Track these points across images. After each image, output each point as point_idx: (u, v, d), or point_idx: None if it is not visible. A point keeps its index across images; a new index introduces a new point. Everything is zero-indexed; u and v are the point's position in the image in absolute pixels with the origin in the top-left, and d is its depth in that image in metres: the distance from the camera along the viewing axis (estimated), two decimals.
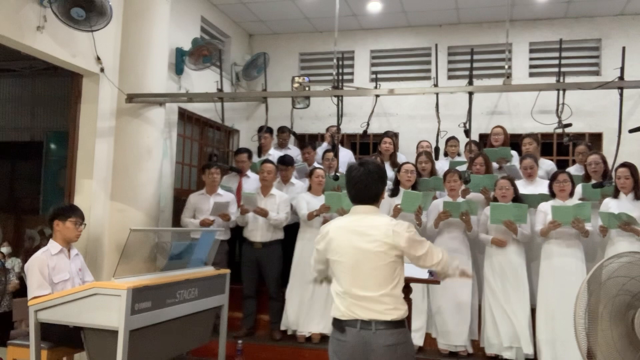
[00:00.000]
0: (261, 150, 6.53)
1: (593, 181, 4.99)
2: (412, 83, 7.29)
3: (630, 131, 4.74)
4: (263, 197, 5.39)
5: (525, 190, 5.15)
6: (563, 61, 5.14)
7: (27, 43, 4.40)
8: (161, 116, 5.63)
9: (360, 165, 2.70)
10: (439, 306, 4.93)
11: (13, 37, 4.28)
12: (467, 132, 4.93)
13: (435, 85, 5.21)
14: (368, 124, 5.41)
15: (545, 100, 5.23)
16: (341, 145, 6.37)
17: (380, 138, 6.26)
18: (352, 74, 7.80)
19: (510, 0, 6.40)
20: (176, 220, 5.86)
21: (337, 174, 5.41)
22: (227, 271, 4.41)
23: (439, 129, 5.23)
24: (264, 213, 5.23)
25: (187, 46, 6.31)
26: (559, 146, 6.82)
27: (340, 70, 5.32)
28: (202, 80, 6.58)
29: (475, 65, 5.42)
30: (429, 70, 7.31)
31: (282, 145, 6.88)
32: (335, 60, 5.29)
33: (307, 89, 6.40)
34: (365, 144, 7.50)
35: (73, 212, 3.84)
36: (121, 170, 5.30)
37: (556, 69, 5.15)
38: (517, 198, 4.89)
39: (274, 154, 6.38)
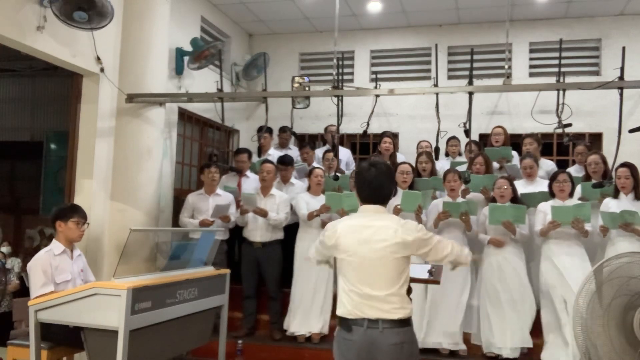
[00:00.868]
0: (261, 150, 6.53)
1: (593, 181, 4.99)
2: (412, 83, 7.29)
3: (630, 131, 4.74)
4: (263, 197, 5.39)
5: (526, 190, 5.15)
6: (563, 61, 5.14)
7: (27, 43, 4.40)
8: (161, 116, 5.63)
9: (372, 166, 2.71)
10: (437, 306, 4.92)
11: (13, 37, 4.28)
12: (467, 132, 4.94)
13: (435, 85, 5.21)
14: (368, 124, 5.41)
15: (545, 100, 5.22)
16: (340, 145, 6.37)
17: (380, 138, 6.26)
18: (352, 74, 7.80)
19: (510, 0, 6.40)
20: (176, 220, 5.86)
21: (337, 174, 5.41)
22: (227, 271, 4.41)
23: (439, 129, 5.23)
24: (263, 213, 5.23)
25: (187, 46, 6.32)
26: (559, 146, 6.82)
27: (340, 70, 5.32)
28: (202, 80, 6.58)
29: (475, 65, 5.42)
30: (429, 70, 7.31)
31: (282, 145, 6.88)
32: (335, 60, 5.29)
33: (307, 89, 6.41)
34: (365, 144, 7.50)
35: (75, 212, 3.84)
36: (121, 170, 5.30)
37: (556, 69, 5.15)
38: (516, 198, 4.89)
39: (273, 154, 6.38)
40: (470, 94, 4.90)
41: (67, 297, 3.31)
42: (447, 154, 6.30)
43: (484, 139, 6.76)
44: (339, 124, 5.22)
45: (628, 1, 6.63)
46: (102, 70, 5.17)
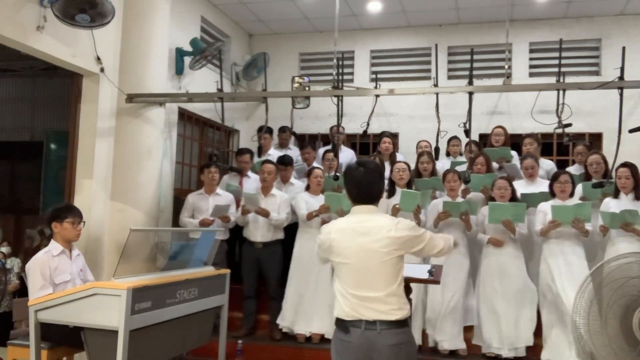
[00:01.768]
0: (261, 151, 6.52)
1: (593, 181, 4.99)
2: (412, 83, 7.29)
3: (630, 131, 4.74)
4: (263, 197, 5.39)
5: (526, 191, 5.16)
6: (563, 61, 5.14)
7: (27, 43, 4.40)
8: (161, 116, 5.63)
9: (360, 165, 2.70)
10: (436, 306, 4.92)
11: (13, 37, 4.28)
12: (467, 132, 4.94)
13: (435, 85, 5.21)
14: (368, 124, 5.41)
15: (545, 100, 5.22)
16: (342, 145, 6.37)
17: (379, 138, 6.27)
18: (352, 74, 7.80)
19: (510, 0, 6.40)
20: (176, 220, 5.86)
21: (337, 174, 5.41)
22: (227, 271, 4.40)
23: (439, 129, 5.23)
24: (265, 213, 5.23)
25: (187, 46, 6.32)
26: (559, 146, 6.82)
27: (340, 70, 5.32)
28: (202, 80, 6.58)
29: (475, 65, 5.42)
30: (429, 70, 7.31)
31: (282, 145, 6.88)
32: (335, 60, 5.29)
33: (307, 89, 6.41)
34: (365, 144, 7.50)
35: (69, 212, 3.83)
36: (121, 170, 5.30)
37: (556, 69, 5.15)
38: (515, 199, 4.89)
39: (273, 154, 6.37)
40: (470, 94, 4.90)
41: (67, 297, 3.30)
42: (447, 154, 6.30)
43: (484, 139, 6.76)
44: (339, 124, 5.22)
45: (628, 1, 6.63)
46: (102, 70, 5.17)
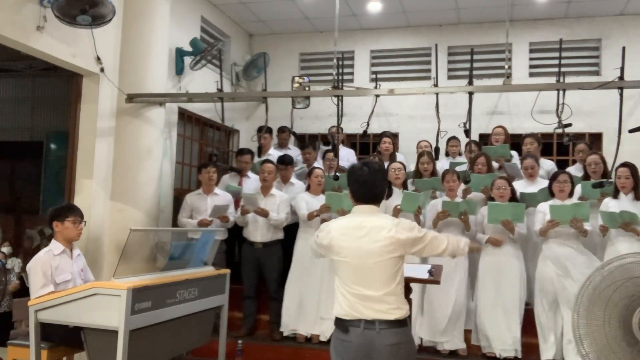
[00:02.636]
0: (261, 151, 6.52)
1: (593, 181, 4.99)
2: (412, 83, 7.29)
3: (630, 131, 4.74)
4: (263, 197, 5.39)
5: (527, 190, 5.16)
6: (563, 61, 5.14)
7: (27, 43, 4.40)
8: (161, 116, 5.63)
9: (364, 165, 2.72)
10: (436, 306, 4.92)
11: (13, 37, 4.28)
12: (467, 132, 4.93)
13: (435, 85, 5.21)
14: (368, 124, 5.41)
15: (545, 100, 5.22)
16: (342, 145, 6.37)
17: (379, 138, 6.26)
18: (352, 74, 7.80)
19: (510, 0, 6.40)
20: (176, 220, 5.86)
21: (338, 174, 5.41)
22: (227, 271, 4.40)
23: (439, 129, 5.23)
24: (264, 213, 5.23)
25: (187, 46, 6.32)
26: (559, 146, 6.82)
27: (340, 70, 5.32)
28: (202, 80, 6.58)
29: (475, 65, 5.42)
30: (429, 70, 7.31)
31: (282, 145, 6.88)
32: (335, 60, 5.29)
33: (307, 89, 6.41)
34: (365, 144, 7.50)
35: (70, 212, 3.84)
36: (121, 170, 5.30)
37: (556, 69, 5.15)
38: (515, 198, 4.89)
39: (273, 154, 6.37)
40: (470, 94, 4.90)
41: (67, 297, 3.31)
42: (447, 154, 6.30)
43: (484, 139, 6.76)
44: (339, 124, 5.22)
45: (628, 1, 6.63)
46: (102, 70, 5.17)
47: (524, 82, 6.79)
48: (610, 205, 4.63)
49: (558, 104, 4.79)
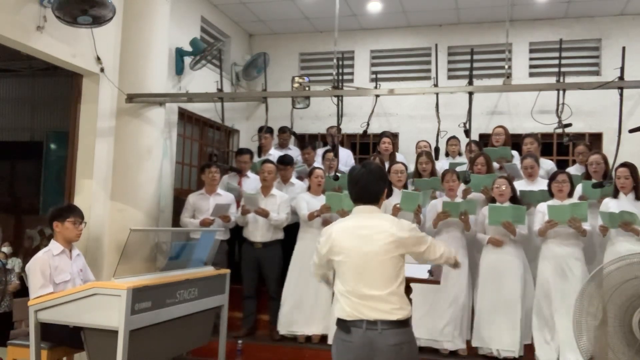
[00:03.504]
0: (261, 151, 6.53)
1: (593, 180, 4.99)
2: (412, 83, 7.28)
3: (630, 131, 4.74)
4: (263, 197, 5.39)
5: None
6: (563, 61, 5.14)
7: (27, 43, 4.40)
8: (161, 116, 5.63)
9: (362, 167, 2.76)
10: (437, 306, 4.92)
11: (13, 37, 4.28)
12: (467, 132, 4.93)
13: (435, 85, 5.21)
14: (368, 124, 5.41)
15: (545, 100, 5.22)
16: (341, 146, 6.37)
17: (379, 138, 6.27)
18: (352, 74, 7.79)
19: (510, 0, 6.40)
20: (176, 220, 5.86)
21: (338, 174, 5.41)
22: (227, 271, 4.41)
23: (439, 129, 5.23)
24: (265, 213, 5.23)
25: (187, 46, 6.32)
26: (559, 146, 6.82)
27: (340, 70, 5.32)
28: (202, 80, 6.58)
29: (475, 65, 5.42)
30: (429, 70, 7.31)
31: (282, 145, 6.88)
32: (335, 60, 5.29)
33: (307, 89, 6.41)
34: (365, 144, 7.50)
35: (71, 212, 3.84)
36: (121, 170, 5.30)
37: (556, 69, 5.15)
38: (515, 197, 4.89)
39: (274, 154, 6.37)
40: (470, 94, 4.90)
41: (67, 297, 3.31)
42: (447, 154, 6.30)
43: (484, 139, 6.76)
44: (339, 124, 5.22)
45: (628, 1, 6.63)
46: (102, 70, 5.17)
47: (524, 82, 6.79)
48: (610, 205, 4.63)
49: (558, 104, 4.79)
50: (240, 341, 4.99)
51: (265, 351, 5.11)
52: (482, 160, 5.35)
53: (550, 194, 4.84)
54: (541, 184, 5.21)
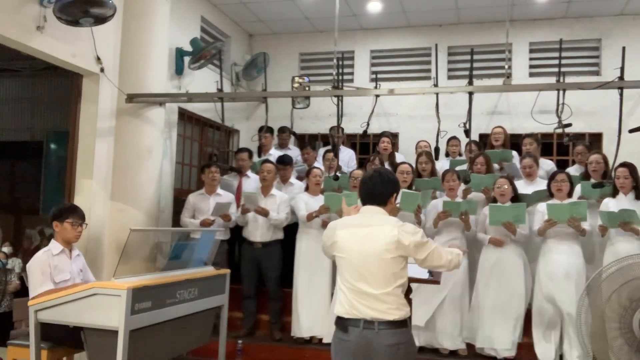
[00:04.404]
0: (261, 150, 6.53)
1: (593, 180, 4.99)
2: (412, 83, 7.29)
3: (630, 131, 4.74)
4: (263, 197, 5.39)
5: (526, 190, 5.15)
6: (563, 61, 5.15)
7: (27, 43, 4.40)
8: (161, 116, 5.63)
9: (375, 170, 2.84)
10: (435, 306, 4.92)
11: (13, 37, 4.28)
12: (467, 132, 4.94)
13: (435, 85, 5.21)
14: (368, 124, 5.41)
15: (545, 100, 5.23)
16: (342, 145, 6.37)
17: (379, 138, 6.26)
18: (352, 74, 7.80)
19: (510, 0, 6.39)
20: (176, 220, 5.86)
21: (338, 174, 5.41)
22: (227, 271, 4.40)
23: (439, 129, 5.23)
24: (265, 213, 5.23)
25: (187, 46, 6.32)
26: (559, 146, 6.82)
27: (340, 70, 5.32)
28: (202, 80, 6.58)
29: (475, 65, 5.42)
30: (429, 70, 7.31)
31: (282, 145, 6.88)
32: (335, 60, 5.29)
33: (307, 89, 6.40)
34: (365, 144, 7.50)
35: (71, 213, 3.82)
36: (121, 170, 5.30)
37: (556, 69, 5.15)
38: (516, 197, 4.89)
39: (274, 154, 6.38)
40: (470, 94, 4.90)
41: (67, 297, 3.30)
42: (447, 154, 6.30)
43: (484, 139, 6.76)
44: (339, 124, 5.22)
45: (628, 1, 6.63)
46: (102, 70, 5.17)
47: (524, 82, 6.79)
48: (609, 205, 4.63)
49: (558, 104, 4.80)
50: (240, 341, 4.99)
51: (265, 351, 5.12)
52: (481, 160, 5.35)
53: (550, 194, 4.84)
54: (540, 184, 5.21)
